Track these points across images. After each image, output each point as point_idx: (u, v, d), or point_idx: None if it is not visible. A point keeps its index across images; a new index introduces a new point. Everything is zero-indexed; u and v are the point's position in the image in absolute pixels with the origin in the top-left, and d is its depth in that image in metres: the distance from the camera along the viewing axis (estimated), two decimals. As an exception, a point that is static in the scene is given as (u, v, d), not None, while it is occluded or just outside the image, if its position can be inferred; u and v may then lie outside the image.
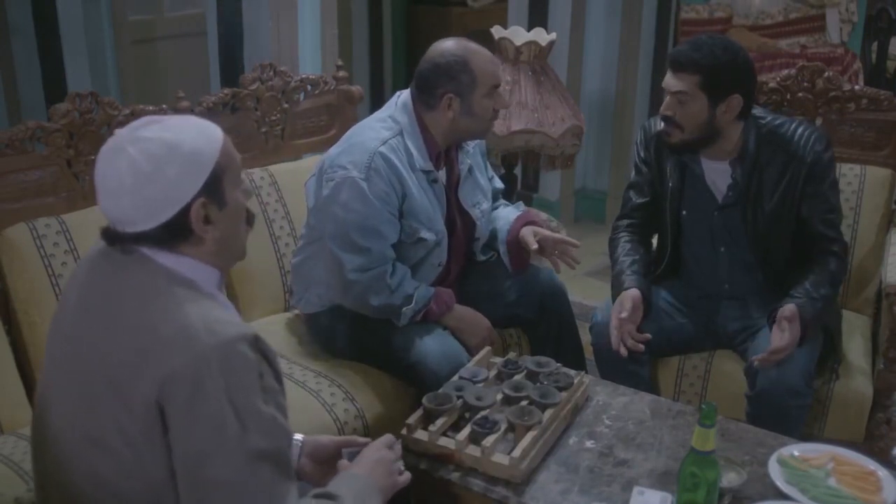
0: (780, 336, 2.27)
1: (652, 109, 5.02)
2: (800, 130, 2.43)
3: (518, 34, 3.36)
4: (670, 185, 2.53)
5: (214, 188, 1.45)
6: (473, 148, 2.63)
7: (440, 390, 2.08)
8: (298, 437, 1.75)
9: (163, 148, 1.41)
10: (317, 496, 1.51)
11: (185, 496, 1.37)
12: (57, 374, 1.51)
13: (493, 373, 2.20)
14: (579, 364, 2.61)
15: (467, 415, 2.02)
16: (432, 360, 2.33)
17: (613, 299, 2.51)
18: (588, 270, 4.35)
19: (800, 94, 2.87)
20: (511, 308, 2.67)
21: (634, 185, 2.65)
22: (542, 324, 2.69)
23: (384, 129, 2.42)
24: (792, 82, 2.88)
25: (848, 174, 2.79)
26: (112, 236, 1.47)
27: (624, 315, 2.39)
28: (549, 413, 1.99)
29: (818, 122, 2.85)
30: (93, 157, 2.43)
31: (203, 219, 1.45)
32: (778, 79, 2.90)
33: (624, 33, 4.90)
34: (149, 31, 5.16)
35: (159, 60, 5.20)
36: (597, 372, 2.57)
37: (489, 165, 2.78)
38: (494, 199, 2.78)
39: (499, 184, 2.82)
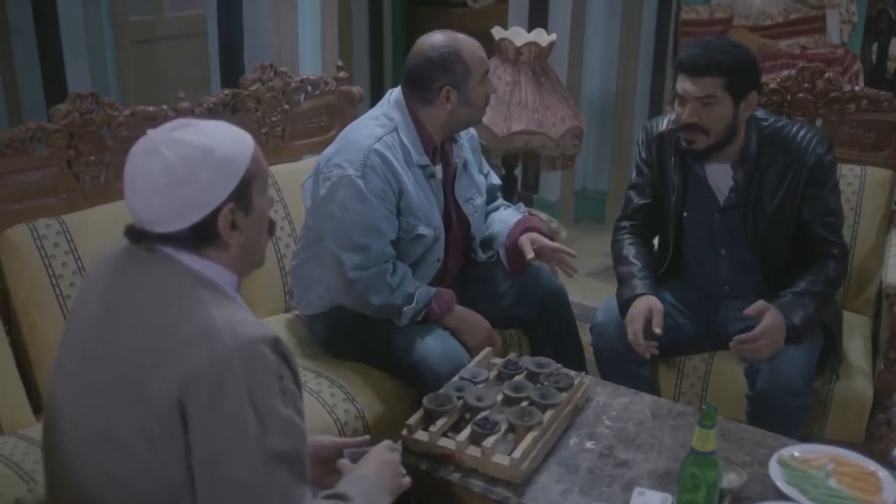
0: (750, 341, 2.30)
1: (652, 110, 5.03)
2: (801, 133, 2.43)
3: (518, 35, 3.36)
4: (672, 186, 2.53)
5: (243, 194, 1.47)
6: (467, 142, 2.63)
7: (440, 391, 2.07)
8: None
9: (197, 151, 1.43)
10: (327, 497, 1.51)
11: (202, 496, 1.38)
12: (73, 373, 1.50)
13: (493, 373, 2.20)
14: (579, 365, 2.61)
15: (468, 415, 2.02)
16: (433, 361, 2.33)
17: (621, 300, 2.50)
18: (588, 271, 4.34)
19: (800, 95, 2.87)
20: (511, 309, 2.67)
21: (636, 186, 2.65)
22: (541, 324, 2.69)
23: (378, 126, 2.42)
24: (792, 83, 2.88)
25: (848, 175, 2.79)
26: (137, 235, 1.48)
27: (658, 331, 2.38)
28: (549, 414, 1.99)
29: (818, 122, 2.85)
30: (93, 158, 2.45)
31: (230, 224, 1.47)
32: (778, 80, 2.90)
33: (624, 34, 4.91)
34: (149, 31, 5.16)
35: (160, 61, 5.20)
36: (597, 372, 2.57)
37: (485, 161, 2.78)
38: (492, 197, 2.78)
39: (495, 180, 2.82)
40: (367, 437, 1.81)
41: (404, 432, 1.96)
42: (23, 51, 3.99)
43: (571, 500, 1.83)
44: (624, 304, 2.48)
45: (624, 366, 2.50)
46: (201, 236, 1.46)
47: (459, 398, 2.04)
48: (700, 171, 2.50)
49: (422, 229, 2.43)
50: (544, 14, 4.67)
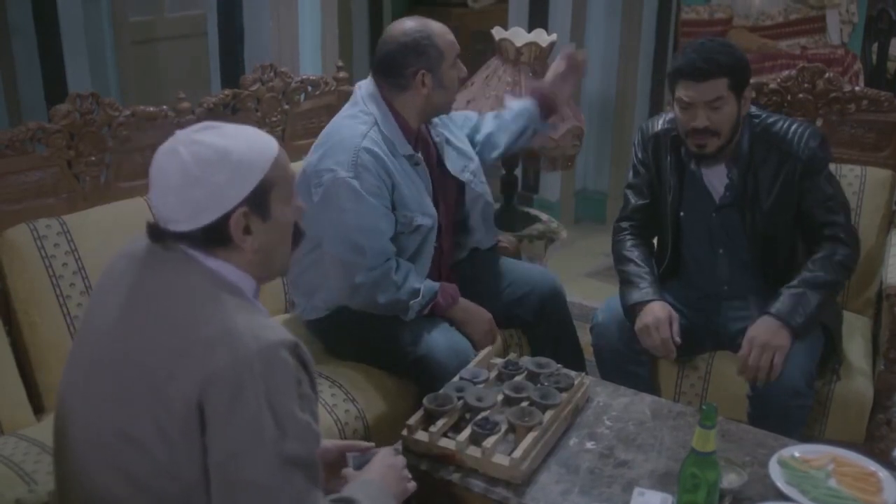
0: (743, 359, 2.31)
1: (652, 110, 5.03)
2: (793, 128, 2.43)
3: (518, 35, 3.36)
4: (669, 186, 2.53)
5: (259, 200, 1.48)
6: (437, 119, 2.62)
7: (441, 391, 2.07)
8: None
9: (214, 154, 1.45)
10: (334, 501, 1.52)
11: (216, 497, 1.38)
12: (89, 373, 1.51)
13: (493, 374, 2.20)
14: (579, 365, 2.61)
15: (468, 416, 2.02)
16: (440, 353, 2.34)
17: (628, 303, 2.48)
18: (588, 271, 4.35)
19: (800, 96, 2.87)
20: (510, 308, 2.67)
21: (633, 187, 2.65)
22: (540, 325, 2.70)
23: (359, 123, 2.41)
24: (792, 83, 2.88)
25: (848, 175, 2.79)
26: (155, 232, 1.50)
27: (678, 340, 2.40)
28: (549, 414, 1.99)
29: (818, 122, 2.85)
30: (93, 158, 2.45)
31: (243, 228, 1.47)
32: (778, 80, 2.90)
33: (624, 34, 4.91)
34: (149, 31, 5.16)
35: (160, 61, 5.20)
36: (597, 372, 2.57)
37: (456, 119, 2.76)
38: (476, 128, 2.78)
39: (472, 118, 2.82)
40: (371, 444, 1.82)
41: (404, 432, 1.96)
42: (23, 51, 3.99)
43: (571, 501, 1.83)
44: (631, 308, 2.47)
45: (624, 366, 2.50)
46: (213, 238, 1.47)
47: (460, 398, 2.04)
48: (695, 170, 2.50)
49: (419, 219, 2.43)
50: (544, 14, 4.67)
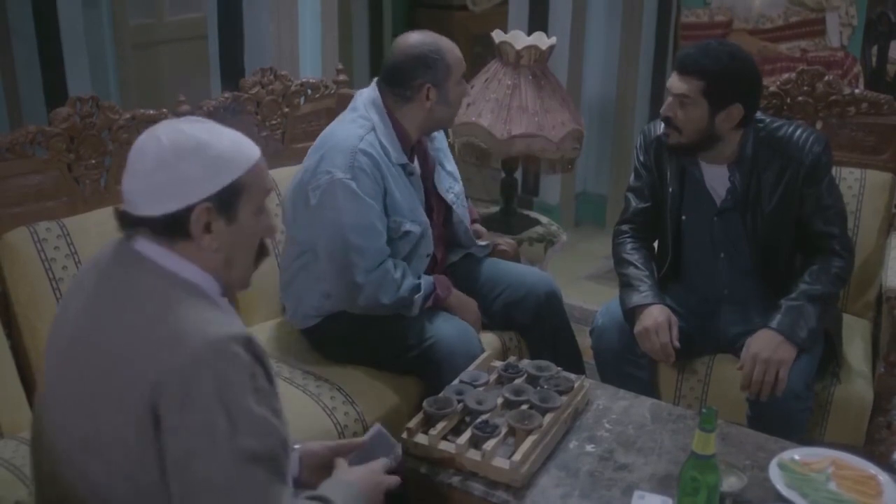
0: (746, 375, 2.31)
1: (652, 113, 5.03)
2: (798, 133, 2.43)
3: (518, 38, 3.36)
4: (670, 189, 2.53)
5: (227, 200, 1.46)
6: (438, 136, 2.67)
7: (440, 394, 2.07)
8: (296, 445, 1.75)
9: (192, 143, 1.44)
10: (309, 498, 1.51)
11: (177, 498, 1.37)
12: (56, 377, 1.50)
13: (493, 377, 2.20)
14: (577, 368, 2.61)
15: (468, 419, 2.02)
16: (450, 339, 2.38)
17: (627, 305, 2.48)
18: (588, 274, 4.35)
19: (800, 99, 2.87)
20: (507, 310, 2.69)
21: (634, 190, 2.65)
22: (536, 328, 2.70)
23: (357, 127, 2.43)
24: (792, 86, 2.88)
25: (848, 178, 2.79)
26: (121, 217, 1.50)
27: (677, 344, 2.40)
28: (549, 417, 1.99)
29: (818, 125, 2.85)
30: (93, 162, 2.45)
31: (204, 225, 1.45)
32: (778, 83, 2.90)
33: (624, 37, 4.91)
34: (149, 35, 5.17)
35: (160, 64, 5.21)
36: (597, 375, 2.57)
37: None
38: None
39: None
40: (362, 439, 1.80)
41: (404, 435, 1.96)
42: (23, 54, 4.00)
43: (571, 504, 1.83)
44: (631, 311, 2.47)
45: (624, 369, 2.50)
46: (172, 228, 1.45)
47: (459, 401, 2.04)
48: (697, 173, 2.49)
49: (408, 226, 2.45)
50: (544, 17, 4.68)
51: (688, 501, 1.68)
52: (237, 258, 1.52)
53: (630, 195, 2.66)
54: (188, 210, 1.43)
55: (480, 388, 2.12)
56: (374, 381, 2.44)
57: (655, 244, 2.71)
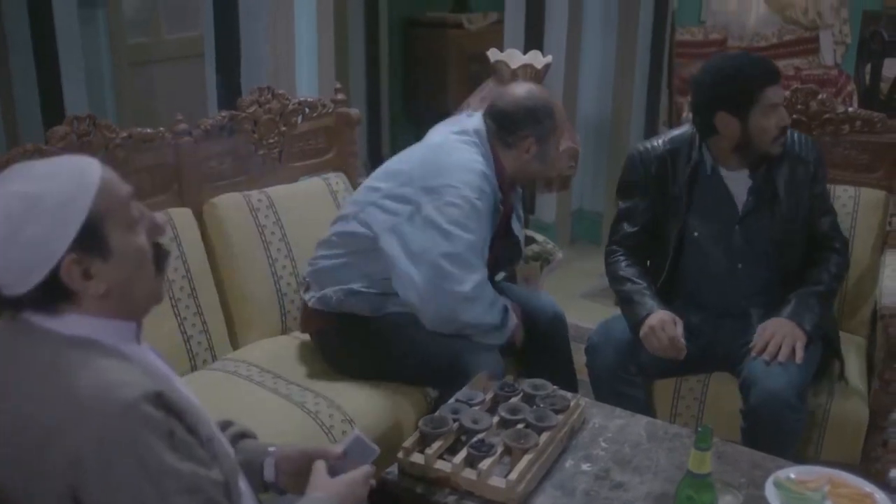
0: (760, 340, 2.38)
1: (648, 130, 5.05)
2: (797, 136, 2.57)
3: (514, 57, 3.38)
4: (679, 206, 2.54)
5: (91, 239, 1.31)
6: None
7: (436, 413, 2.07)
8: (272, 448, 1.71)
9: (22, 204, 1.28)
10: None
11: None
12: None
13: (489, 395, 2.20)
14: (571, 387, 2.60)
15: (463, 438, 2.02)
16: (479, 357, 2.40)
17: (636, 318, 2.48)
18: (583, 292, 4.35)
19: (794, 116, 2.88)
20: None
21: (626, 213, 2.65)
22: (538, 351, 2.69)
23: (477, 153, 2.48)
24: (786, 104, 2.89)
25: (842, 196, 2.80)
26: None
27: (683, 341, 2.42)
28: (545, 436, 1.99)
29: (812, 144, 2.87)
30: (90, 180, 2.46)
31: (81, 274, 1.31)
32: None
33: (619, 55, 4.94)
34: (147, 53, 5.18)
35: (157, 83, 5.22)
36: (591, 393, 2.56)
37: None
38: None
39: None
40: (339, 449, 1.69)
41: (400, 455, 1.96)
42: (20, 72, 4.00)
43: (568, 523, 1.83)
44: (635, 324, 2.47)
45: (619, 388, 2.50)
46: (52, 295, 1.31)
47: (455, 420, 2.04)
48: (716, 182, 2.53)
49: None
50: (540, 36, 4.70)
51: (684, 520, 1.68)
52: (135, 283, 1.38)
53: (622, 218, 2.67)
54: (55, 271, 1.29)
55: (476, 407, 2.12)
56: (372, 399, 2.44)
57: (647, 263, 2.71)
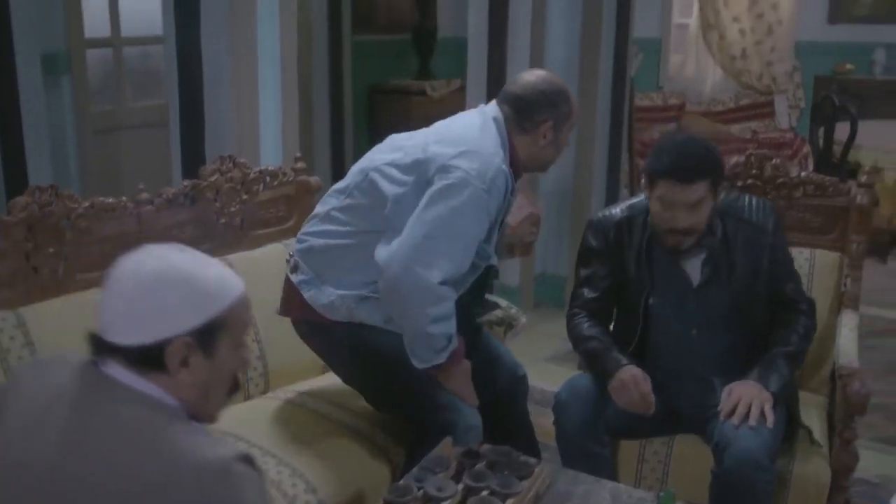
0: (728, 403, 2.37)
1: (609, 194, 5.12)
2: (754, 201, 2.58)
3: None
4: (636, 274, 2.56)
5: (207, 336, 1.41)
6: None
7: (401, 482, 2.06)
8: None
9: (176, 274, 1.40)
10: None
11: None
12: None
13: (453, 462, 2.20)
14: (534, 453, 2.59)
15: (428, 506, 2.01)
16: (470, 416, 2.37)
17: (599, 371, 2.50)
18: (548, 356, 4.36)
19: (749, 181, 2.95)
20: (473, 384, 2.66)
21: (586, 279, 2.67)
22: (497, 409, 2.68)
23: (499, 147, 2.41)
24: (741, 170, 2.97)
25: (798, 258, 2.85)
26: (94, 342, 1.42)
27: (652, 399, 2.42)
28: (510, 503, 1.98)
29: (767, 207, 2.93)
30: (52, 251, 2.45)
31: (181, 359, 1.40)
32: (728, 166, 2.99)
33: (580, 120, 4.99)
34: (112, 120, 5.20)
35: (122, 150, 5.23)
36: (556, 456, 2.56)
37: None
38: None
39: None
40: None
41: (364, 524, 1.94)
42: (-17, 141, 4.00)
43: (533, 591, 1.81)
44: (609, 375, 2.47)
45: (586, 445, 2.49)
46: (148, 359, 1.38)
47: (420, 489, 2.02)
48: (667, 255, 2.54)
49: (493, 259, 2.49)
50: (502, 102, 4.77)
51: (648, 586, 1.68)
52: (212, 393, 1.47)
53: (582, 284, 2.68)
54: (165, 342, 1.38)
55: (440, 475, 2.11)
56: (336, 466, 2.41)
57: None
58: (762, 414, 2.33)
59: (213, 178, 2.84)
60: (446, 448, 2.27)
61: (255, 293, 2.70)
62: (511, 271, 4.92)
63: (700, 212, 2.40)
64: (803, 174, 2.97)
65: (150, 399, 1.39)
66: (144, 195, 2.64)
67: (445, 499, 1.99)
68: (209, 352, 1.42)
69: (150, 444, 1.33)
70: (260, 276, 2.68)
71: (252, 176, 2.95)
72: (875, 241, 5.44)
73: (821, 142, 6.07)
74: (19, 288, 2.40)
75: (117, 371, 1.40)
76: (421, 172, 2.34)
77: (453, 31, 6.49)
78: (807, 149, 6.44)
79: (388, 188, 2.37)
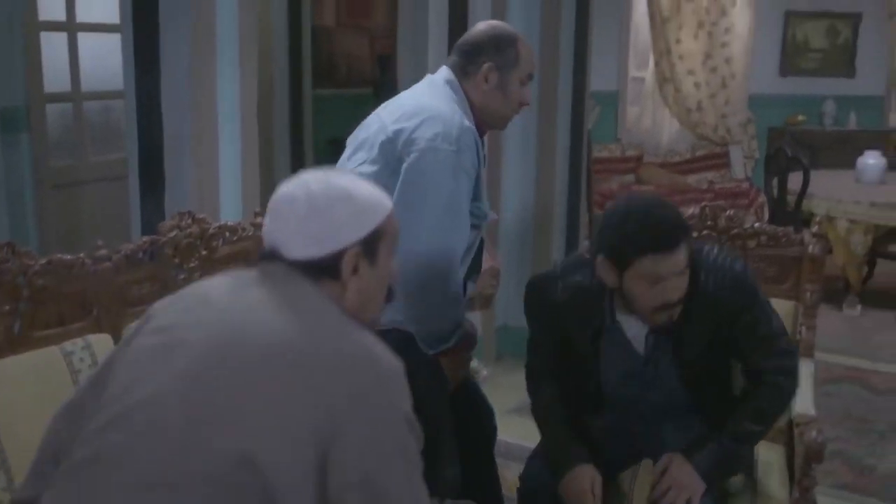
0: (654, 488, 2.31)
1: (569, 245, 5.15)
2: (715, 254, 2.38)
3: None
4: (582, 354, 2.46)
5: (372, 244, 1.59)
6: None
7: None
8: None
9: (341, 192, 1.58)
10: None
11: None
12: (178, 392, 1.44)
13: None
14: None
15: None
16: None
17: (559, 462, 2.41)
18: (511, 408, 4.34)
19: (704, 232, 3.00)
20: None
21: (536, 345, 2.63)
22: (464, 458, 2.66)
23: (455, 105, 2.39)
24: (696, 221, 3.01)
25: (754, 307, 2.88)
26: (266, 256, 1.60)
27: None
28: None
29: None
30: (7, 308, 2.41)
31: (353, 267, 1.57)
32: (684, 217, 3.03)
33: (539, 172, 5.06)
34: (71, 175, 5.17)
35: (82, 205, 5.20)
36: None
37: None
38: None
39: None
40: None
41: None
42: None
43: None
44: (561, 468, 2.40)
45: None
46: (323, 270, 1.56)
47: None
48: (617, 329, 2.41)
49: (489, 211, 2.48)
50: (462, 155, 4.81)
51: None
52: (374, 299, 1.64)
53: (531, 347, 2.64)
54: (340, 254, 1.56)
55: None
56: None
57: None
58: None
59: (171, 234, 2.82)
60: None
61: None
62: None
63: (686, 274, 2.22)
64: (756, 225, 3.01)
65: (327, 298, 1.54)
66: (103, 252, 2.62)
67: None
68: (373, 259, 1.60)
69: (341, 326, 1.49)
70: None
71: (211, 231, 2.94)
72: (830, 288, 5.53)
73: (775, 191, 6.18)
74: (-26, 346, 2.37)
75: (294, 274, 1.55)
76: (389, 151, 2.34)
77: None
78: (762, 198, 6.57)
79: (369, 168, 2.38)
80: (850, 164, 6.47)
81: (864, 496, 3.57)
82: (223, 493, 1.36)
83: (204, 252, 2.92)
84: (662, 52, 8.14)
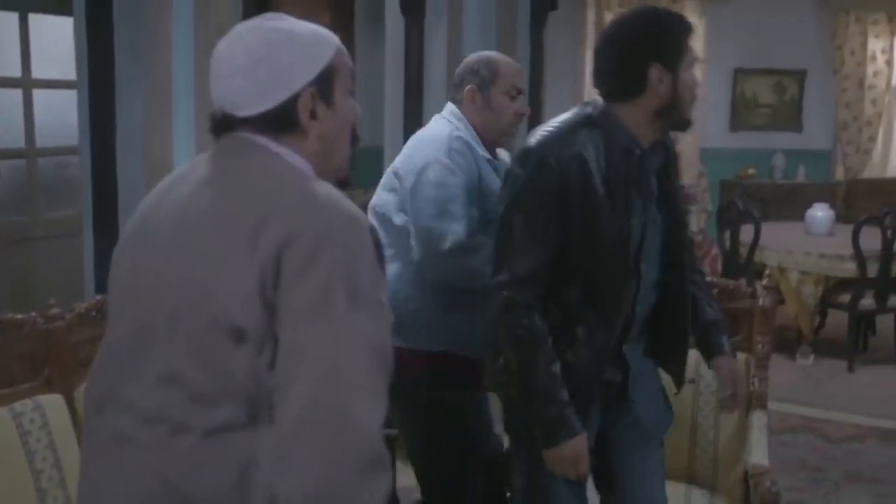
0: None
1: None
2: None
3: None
4: (616, 208, 2.12)
5: (326, 83, 1.49)
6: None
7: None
8: None
9: (280, 35, 1.48)
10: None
11: (279, 364, 1.33)
12: (165, 242, 1.48)
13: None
14: None
15: None
16: None
17: (554, 429, 2.13)
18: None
19: (659, 286, 3.03)
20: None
21: (542, 236, 2.10)
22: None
23: (445, 124, 2.63)
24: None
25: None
26: (219, 122, 1.51)
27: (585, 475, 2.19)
28: None
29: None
30: (-44, 372, 2.37)
31: (310, 112, 1.48)
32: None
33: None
34: (23, 232, 5.11)
35: (34, 261, 5.13)
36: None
37: None
38: None
39: None
40: None
41: None
42: None
43: None
44: (556, 434, 2.13)
45: None
46: (280, 121, 1.47)
47: None
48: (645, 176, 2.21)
49: None
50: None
51: None
52: (338, 143, 1.55)
53: (537, 243, 2.10)
54: (294, 99, 1.47)
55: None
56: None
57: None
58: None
59: (126, 292, 2.80)
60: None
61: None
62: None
63: None
64: (709, 279, 3.06)
65: (283, 158, 1.47)
66: (55, 310, 2.59)
67: None
68: (329, 100, 1.50)
69: (291, 180, 1.43)
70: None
71: (167, 288, 2.92)
72: (782, 338, 5.61)
73: (727, 244, 6.29)
74: (-80, 410, 2.32)
75: (252, 136, 1.48)
76: (400, 186, 2.59)
77: (370, 142, 6.58)
78: (716, 250, 6.66)
79: (396, 218, 2.60)
80: (799, 216, 6.62)
81: (820, 546, 3.61)
82: (199, 330, 1.39)
83: (158, 310, 2.89)
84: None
